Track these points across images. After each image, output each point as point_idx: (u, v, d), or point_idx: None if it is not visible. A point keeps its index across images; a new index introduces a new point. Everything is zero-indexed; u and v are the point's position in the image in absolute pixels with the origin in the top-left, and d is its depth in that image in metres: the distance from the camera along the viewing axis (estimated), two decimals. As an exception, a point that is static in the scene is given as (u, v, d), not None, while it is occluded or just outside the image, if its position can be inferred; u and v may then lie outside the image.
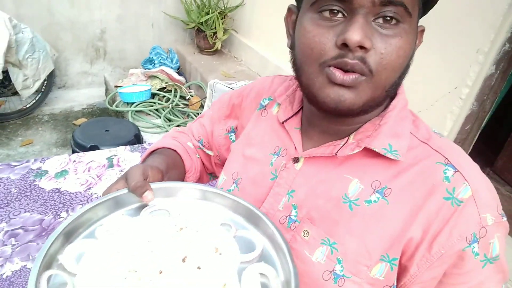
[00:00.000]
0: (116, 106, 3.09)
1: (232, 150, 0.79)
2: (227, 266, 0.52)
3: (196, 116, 3.08)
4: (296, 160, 0.64)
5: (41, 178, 1.51)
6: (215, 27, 3.42)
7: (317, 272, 0.59)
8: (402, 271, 0.57)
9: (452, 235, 0.53)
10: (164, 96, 3.21)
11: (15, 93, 3.18)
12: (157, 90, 3.24)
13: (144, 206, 0.62)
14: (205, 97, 2.99)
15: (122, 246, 0.53)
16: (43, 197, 1.43)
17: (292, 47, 0.60)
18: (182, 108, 3.17)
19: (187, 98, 3.25)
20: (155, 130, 2.87)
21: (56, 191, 1.46)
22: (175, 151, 0.84)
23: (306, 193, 0.62)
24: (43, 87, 3.33)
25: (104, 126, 2.45)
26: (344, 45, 0.49)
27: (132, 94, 3.02)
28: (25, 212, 1.35)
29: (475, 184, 0.54)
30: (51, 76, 3.35)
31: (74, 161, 1.64)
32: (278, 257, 0.55)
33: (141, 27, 3.89)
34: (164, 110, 3.05)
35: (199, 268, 0.51)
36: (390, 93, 0.56)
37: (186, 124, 2.98)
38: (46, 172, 1.55)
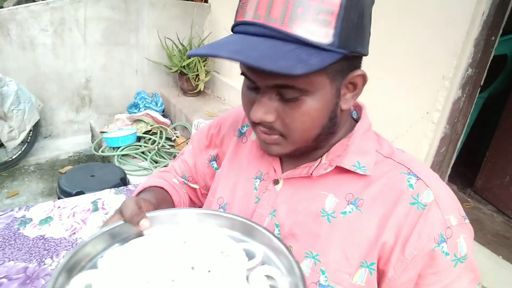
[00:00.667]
0: (102, 151, 3.11)
1: (216, 177, 0.84)
2: (236, 266, 0.54)
3: (182, 157, 3.11)
4: (276, 182, 0.70)
5: (25, 226, 1.51)
6: (197, 70, 3.54)
7: None
8: (380, 276, 0.62)
9: (421, 237, 0.58)
10: (150, 139, 3.26)
11: (1, 145, 3.19)
12: (143, 133, 3.28)
13: (142, 235, 0.62)
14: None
15: (130, 264, 0.54)
16: (28, 244, 1.42)
17: None
18: (168, 149, 3.21)
19: (173, 139, 3.30)
20: (141, 173, 2.89)
21: (41, 238, 1.46)
22: (162, 188, 0.86)
23: (287, 211, 0.67)
24: (29, 137, 3.35)
25: (89, 171, 2.47)
26: None
27: (118, 139, 3.05)
28: (9, 261, 1.34)
29: (436, 189, 0.60)
30: (36, 126, 3.39)
31: (59, 207, 1.65)
32: (280, 260, 0.56)
33: (125, 74, 4.00)
34: (150, 152, 3.08)
35: (209, 271, 0.53)
36: (321, 139, 0.62)
37: (172, 165, 3.02)
38: (31, 219, 1.55)
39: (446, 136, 1.96)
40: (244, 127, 0.83)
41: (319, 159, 0.66)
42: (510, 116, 2.19)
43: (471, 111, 1.96)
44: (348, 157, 0.64)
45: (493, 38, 1.78)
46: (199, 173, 0.91)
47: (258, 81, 0.56)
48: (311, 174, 0.65)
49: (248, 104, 0.60)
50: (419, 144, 2.01)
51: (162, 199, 0.81)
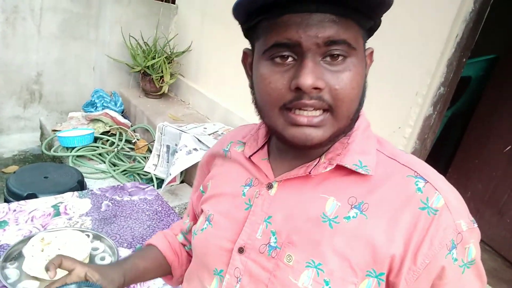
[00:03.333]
0: (54, 151, 2.87)
1: (204, 198, 0.79)
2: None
3: (143, 160, 2.96)
4: (270, 186, 0.65)
5: (-26, 231, 1.32)
6: (162, 71, 3.40)
7: None
8: (392, 286, 0.57)
9: (433, 244, 0.54)
10: (108, 140, 3.06)
11: None
12: (101, 134, 3.08)
13: None
14: (153, 141, 2.90)
15: None
16: (-22, 252, 1.24)
17: (252, 87, 0.63)
18: (128, 152, 3.04)
19: (133, 141, 3.13)
20: (99, 176, 2.70)
21: (-6, 245, 1.29)
22: (158, 248, 0.89)
23: (284, 217, 0.62)
24: (-32, 132, 3.02)
25: (42, 172, 2.25)
26: (299, 89, 0.53)
27: (73, 138, 2.83)
28: (-45, 271, 1.16)
29: (446, 193, 0.57)
30: (-23, 120, 3.06)
31: (14, 210, 1.47)
32: None
33: (81, 70, 3.75)
34: (108, 155, 2.89)
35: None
36: (354, 120, 0.60)
37: (132, 168, 2.87)
38: (-19, 224, 1.36)
39: (416, 152, 2.02)
40: (228, 145, 0.79)
41: (318, 159, 0.62)
42: (471, 135, 2.32)
43: (438, 128, 2.05)
44: (349, 155, 0.60)
45: (464, 59, 1.87)
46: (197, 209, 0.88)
47: (307, 39, 0.51)
48: (310, 173, 0.60)
49: (281, 79, 0.54)
50: (390, 157, 2.06)
51: (150, 264, 0.86)
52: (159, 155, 2.80)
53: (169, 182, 2.53)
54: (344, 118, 0.57)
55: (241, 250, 0.63)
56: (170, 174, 2.48)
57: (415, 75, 1.94)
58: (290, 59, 0.54)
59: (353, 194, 0.59)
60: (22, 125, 3.63)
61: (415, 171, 0.59)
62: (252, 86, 0.63)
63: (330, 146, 0.62)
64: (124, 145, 3.07)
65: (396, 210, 0.56)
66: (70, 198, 1.61)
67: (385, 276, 0.56)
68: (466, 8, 1.78)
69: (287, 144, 0.59)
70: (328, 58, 0.53)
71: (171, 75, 3.48)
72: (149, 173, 2.76)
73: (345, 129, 0.59)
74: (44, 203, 1.55)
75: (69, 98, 3.76)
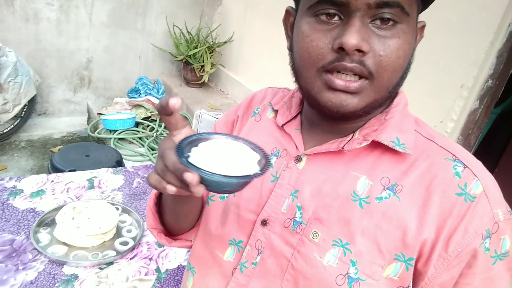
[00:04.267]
0: (98, 133, 3.01)
1: None
2: None
3: (180, 147, 3.02)
4: (298, 159, 0.62)
5: (15, 197, 1.41)
6: (203, 61, 3.46)
7: (329, 276, 0.55)
8: (418, 274, 0.55)
9: (468, 232, 0.52)
10: (148, 125, 3.16)
11: (-7, 117, 3.07)
12: (142, 119, 3.19)
13: None
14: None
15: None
16: (16, 216, 1.33)
17: (290, 49, 0.60)
18: (166, 137, 3.12)
19: (171, 128, 3.21)
20: (137, 158, 2.79)
21: (31, 210, 1.37)
22: None
23: (312, 193, 0.59)
24: (23, 112, 3.23)
25: (84, 151, 2.37)
26: (341, 49, 0.50)
27: (116, 121, 2.95)
28: (-6, 231, 1.25)
29: (485, 179, 0.54)
30: (32, 102, 3.27)
31: (52, 181, 1.55)
32: None
33: (128, 58, 3.90)
34: (148, 139, 2.99)
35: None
36: (393, 94, 0.57)
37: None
38: (21, 191, 1.45)
39: (458, 147, 1.91)
40: (258, 108, 0.76)
41: (351, 135, 0.59)
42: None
43: (486, 124, 1.92)
44: (386, 131, 0.57)
45: (516, 50, 1.74)
46: None
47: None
48: (342, 148, 0.57)
49: (323, 38, 0.51)
50: (430, 153, 1.96)
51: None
52: (195, 141, 2.85)
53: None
54: (383, 89, 0.54)
55: (264, 223, 0.62)
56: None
57: (460, 66, 1.82)
58: (336, 17, 0.51)
59: (386, 174, 0.56)
60: (72, 108, 3.84)
61: (454, 155, 0.56)
62: (290, 48, 0.60)
63: (365, 122, 0.59)
64: (163, 130, 3.15)
65: (431, 194, 0.54)
66: (104, 174, 1.68)
67: (414, 261, 0.54)
68: (521, -5, 1.64)
69: (321, 109, 0.56)
70: (377, 21, 0.50)
71: (212, 65, 3.52)
72: (185, 158, 2.81)
73: (381, 102, 0.57)
74: (80, 176, 1.62)
75: (115, 85, 3.93)
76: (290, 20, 0.62)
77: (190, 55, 3.44)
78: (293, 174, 0.62)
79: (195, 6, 3.78)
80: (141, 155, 2.84)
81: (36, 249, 1.19)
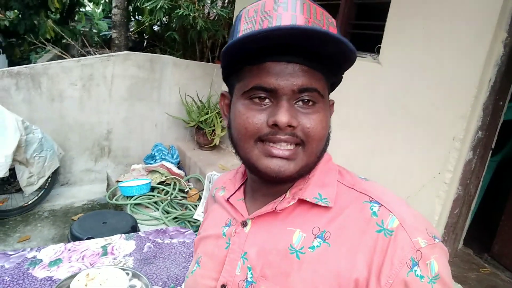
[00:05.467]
0: (116, 200, 3.15)
1: (196, 241, 0.86)
2: None
3: (194, 208, 3.12)
4: (244, 224, 0.70)
5: (34, 267, 1.52)
6: (214, 125, 3.66)
7: None
8: None
9: (394, 264, 0.56)
10: (163, 189, 3.30)
11: (18, 190, 3.27)
12: (157, 184, 3.33)
13: None
14: (203, 189, 3.08)
15: None
16: (35, 285, 1.42)
17: (229, 126, 0.70)
18: (180, 200, 3.24)
19: (186, 190, 3.34)
20: (152, 222, 2.90)
21: (48, 279, 1.46)
22: None
23: (257, 252, 0.66)
24: (47, 184, 3.43)
25: (102, 218, 2.49)
26: (275, 125, 0.59)
27: (132, 188, 3.11)
28: (14, 300, 1.34)
29: (400, 213, 0.60)
30: (55, 174, 3.48)
31: (69, 249, 1.66)
32: None
33: (145, 127, 4.16)
34: (162, 203, 3.11)
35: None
36: (320, 158, 0.67)
37: (183, 215, 3.04)
38: (41, 260, 1.56)
39: (459, 197, 1.95)
40: (214, 191, 0.86)
41: (284, 195, 0.67)
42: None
43: (483, 173, 1.96)
44: (309, 189, 0.65)
45: (501, 103, 1.84)
46: None
47: (284, 86, 0.59)
48: (275, 209, 0.65)
49: (258, 115, 0.61)
50: (432, 204, 2.00)
51: None
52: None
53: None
54: (313, 154, 0.63)
55: (223, 287, 0.68)
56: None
57: (450, 120, 1.92)
58: (266, 100, 0.61)
59: (316, 224, 0.63)
60: (92, 177, 4.04)
61: (370, 197, 0.63)
62: (228, 125, 0.70)
63: (294, 183, 0.67)
64: (178, 193, 3.28)
65: (355, 235, 0.60)
66: (118, 240, 1.78)
67: None
68: (497, 52, 1.78)
69: (260, 175, 0.64)
70: (300, 103, 0.61)
71: (222, 128, 3.72)
72: (198, 220, 2.90)
73: (311, 166, 0.65)
74: (95, 243, 1.73)
75: (133, 152, 4.15)
76: (225, 101, 0.73)
77: (202, 121, 3.66)
78: (241, 238, 0.69)
79: (205, 77, 4.08)
80: (156, 219, 2.94)
81: (51, 316, 1.27)
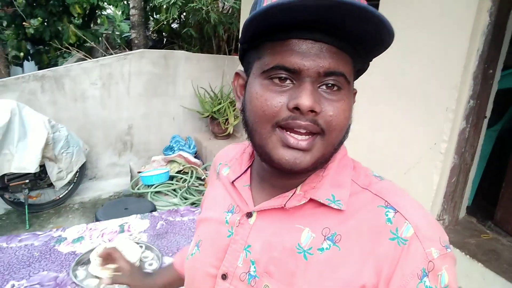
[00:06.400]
0: (138, 189, 3.37)
1: (197, 220, 0.82)
2: None
3: (210, 195, 3.29)
4: (249, 215, 0.66)
5: (60, 244, 1.71)
6: (227, 114, 3.81)
7: None
8: None
9: (405, 274, 0.54)
10: (181, 178, 3.49)
11: (50, 184, 3.54)
12: (175, 173, 3.52)
13: None
14: (218, 176, 3.24)
15: None
16: (60, 258, 1.62)
17: (242, 109, 0.63)
18: (197, 187, 3.41)
19: (203, 178, 3.51)
20: (171, 208, 3.09)
21: (72, 253, 1.65)
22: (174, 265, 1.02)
23: (262, 247, 0.62)
24: (75, 178, 3.70)
25: (124, 205, 2.70)
26: (296, 109, 0.54)
27: (152, 177, 3.31)
28: (43, 271, 1.53)
29: (415, 221, 0.56)
30: (83, 168, 3.74)
31: (91, 228, 1.85)
32: None
33: (163, 121, 4.36)
34: (180, 190, 3.29)
35: None
36: (337, 150, 0.61)
37: (199, 201, 3.21)
38: (65, 238, 1.76)
39: (455, 166, 2.00)
40: (219, 165, 0.80)
41: (294, 190, 0.62)
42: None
43: (479, 141, 2.01)
44: (322, 189, 0.61)
45: (490, 71, 1.87)
46: None
47: (309, 67, 0.53)
48: (284, 206, 0.61)
49: (278, 98, 0.55)
50: (430, 175, 2.06)
51: (170, 281, 1.00)
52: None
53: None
54: (331, 145, 0.58)
55: (224, 277, 0.65)
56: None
57: (443, 91, 1.97)
58: (288, 81, 0.55)
59: (326, 225, 0.60)
60: (117, 171, 4.29)
61: (386, 201, 0.59)
62: (242, 108, 0.63)
63: (306, 177, 0.63)
64: (195, 181, 3.46)
65: (367, 241, 0.57)
66: (133, 219, 1.96)
67: None
68: (483, 22, 1.82)
69: (274, 165, 0.58)
70: (324, 87, 0.55)
71: (235, 117, 3.86)
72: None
73: (327, 157, 0.60)
74: (114, 223, 1.91)
75: (153, 145, 4.37)
76: (239, 82, 0.66)
77: (215, 111, 3.81)
78: (245, 230, 0.65)
79: (216, 68, 4.22)
80: (174, 204, 3.13)
81: (74, 283, 1.46)
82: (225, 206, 0.71)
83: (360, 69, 0.62)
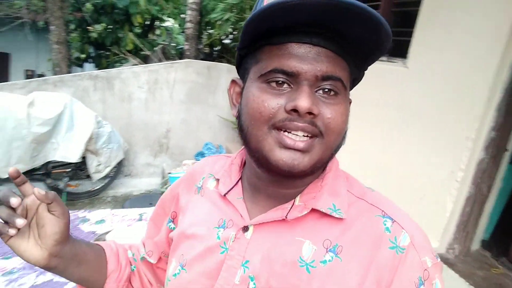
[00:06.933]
0: (165, 188, 3.55)
1: (175, 236, 0.74)
2: None
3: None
4: (245, 229, 0.62)
5: (83, 223, 1.90)
6: (259, 128, 3.93)
7: None
8: None
9: (403, 282, 0.55)
10: (208, 183, 3.64)
11: (88, 176, 3.82)
12: (203, 178, 3.68)
13: None
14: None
15: None
16: (81, 235, 1.79)
17: (238, 115, 0.62)
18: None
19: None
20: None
21: (92, 233, 1.82)
22: (104, 251, 0.80)
23: (261, 262, 0.60)
24: (112, 173, 3.96)
25: (149, 200, 2.89)
26: (294, 111, 0.53)
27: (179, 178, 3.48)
28: (64, 243, 1.71)
29: (411, 230, 0.58)
30: (120, 165, 4.00)
31: (113, 214, 2.02)
32: None
33: (200, 128, 4.57)
34: (205, 194, 3.44)
35: None
36: (334, 155, 0.61)
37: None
38: (89, 219, 1.94)
39: (471, 196, 1.98)
40: (200, 181, 0.75)
41: (293, 201, 0.61)
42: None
43: (497, 174, 1.98)
44: (323, 198, 0.60)
45: (514, 104, 1.86)
46: (160, 240, 0.83)
47: (307, 71, 0.53)
48: (286, 217, 0.59)
49: (275, 100, 0.55)
50: (444, 202, 2.05)
51: (93, 258, 0.75)
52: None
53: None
54: (329, 148, 0.57)
55: None
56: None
57: (464, 120, 1.98)
58: (285, 85, 0.55)
59: (327, 236, 0.59)
60: (151, 171, 4.53)
61: (382, 211, 0.60)
62: (238, 114, 0.62)
63: (304, 187, 0.62)
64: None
65: (368, 250, 0.57)
66: (151, 210, 2.11)
67: None
68: (510, 56, 1.82)
69: (271, 168, 0.57)
70: (321, 91, 0.55)
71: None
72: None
73: (325, 161, 0.59)
74: (134, 212, 2.08)
75: (188, 150, 4.57)
76: (235, 89, 0.65)
77: (248, 123, 3.95)
78: (242, 245, 0.62)
79: (255, 83, 4.37)
80: (198, 207, 3.28)
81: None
82: (214, 222, 0.67)
83: (355, 78, 0.62)
